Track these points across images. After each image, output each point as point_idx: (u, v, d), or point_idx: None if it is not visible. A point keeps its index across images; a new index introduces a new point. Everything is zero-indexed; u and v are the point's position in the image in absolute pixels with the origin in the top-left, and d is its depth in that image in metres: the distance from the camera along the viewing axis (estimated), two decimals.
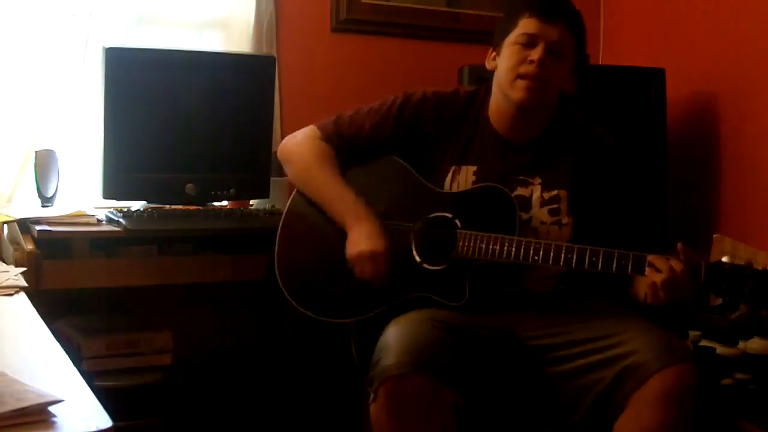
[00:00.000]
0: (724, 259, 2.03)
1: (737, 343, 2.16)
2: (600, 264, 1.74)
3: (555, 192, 1.90)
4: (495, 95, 1.95)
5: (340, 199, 1.95)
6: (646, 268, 1.70)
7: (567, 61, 1.88)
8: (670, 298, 1.68)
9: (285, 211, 2.05)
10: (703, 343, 2.18)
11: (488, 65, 1.97)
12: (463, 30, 3.06)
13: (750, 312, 2.21)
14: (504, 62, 1.89)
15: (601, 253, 1.74)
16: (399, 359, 1.63)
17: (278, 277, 1.96)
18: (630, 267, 1.72)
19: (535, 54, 1.84)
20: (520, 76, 1.85)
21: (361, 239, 1.86)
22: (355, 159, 2.01)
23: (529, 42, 1.85)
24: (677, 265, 1.68)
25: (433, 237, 1.89)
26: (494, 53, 1.95)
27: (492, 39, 1.97)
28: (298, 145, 2.05)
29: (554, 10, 1.87)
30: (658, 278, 1.68)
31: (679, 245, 1.70)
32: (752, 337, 2.17)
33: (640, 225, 1.96)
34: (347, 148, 2.00)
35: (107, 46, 2.38)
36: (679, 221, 2.80)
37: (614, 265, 1.73)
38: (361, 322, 1.89)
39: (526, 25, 1.86)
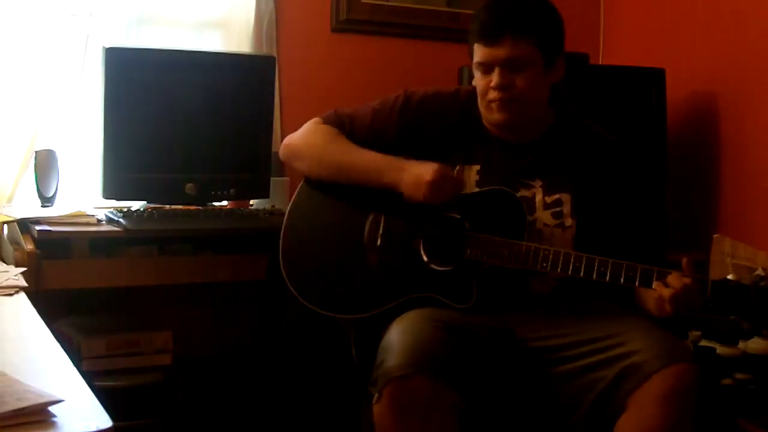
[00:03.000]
0: (730, 276, 2.06)
1: (737, 343, 2.17)
2: (608, 275, 1.73)
3: (557, 196, 1.90)
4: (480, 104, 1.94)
5: (371, 163, 1.93)
6: (654, 282, 1.70)
7: (531, 67, 1.84)
8: (675, 312, 1.68)
9: (290, 205, 2.04)
10: (703, 343, 2.18)
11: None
12: (463, 30, 3.00)
13: None
14: (476, 84, 1.90)
15: (610, 264, 1.73)
16: (402, 360, 1.62)
17: (283, 272, 1.95)
18: (638, 280, 1.72)
19: (494, 80, 1.83)
20: (491, 101, 1.86)
21: (419, 176, 1.84)
22: None
23: (486, 69, 1.85)
24: (685, 280, 1.67)
25: (441, 238, 1.89)
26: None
27: None
28: (305, 135, 2.03)
29: (495, 29, 1.82)
30: (666, 293, 1.67)
31: (685, 261, 1.70)
32: (752, 337, 2.17)
33: (642, 225, 1.96)
34: (350, 137, 1.99)
35: (107, 46, 2.38)
36: (679, 221, 2.79)
37: (622, 278, 1.72)
38: (361, 322, 1.88)
39: (477, 53, 1.86)
